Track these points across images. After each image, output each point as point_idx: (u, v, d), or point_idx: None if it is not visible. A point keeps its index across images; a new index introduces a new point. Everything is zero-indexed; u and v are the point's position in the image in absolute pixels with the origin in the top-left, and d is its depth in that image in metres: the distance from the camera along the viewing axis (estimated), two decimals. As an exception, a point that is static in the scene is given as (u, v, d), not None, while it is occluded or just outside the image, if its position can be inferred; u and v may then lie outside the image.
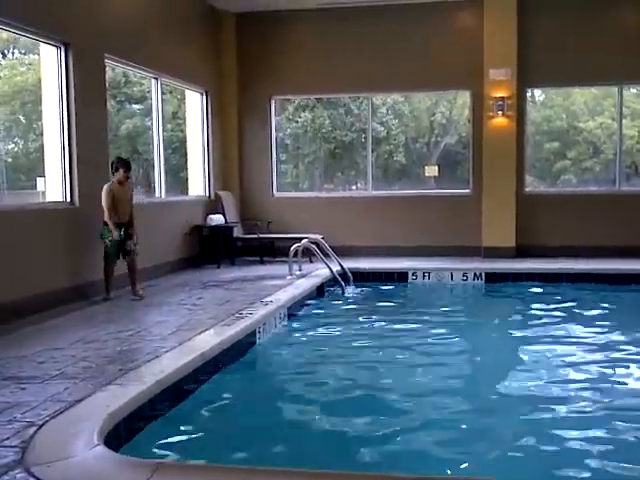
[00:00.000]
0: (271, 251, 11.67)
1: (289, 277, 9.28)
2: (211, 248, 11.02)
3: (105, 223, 7.72)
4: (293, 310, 7.72)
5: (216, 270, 10.51)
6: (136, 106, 14.02)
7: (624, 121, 12.09)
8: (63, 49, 7.82)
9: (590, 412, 4.68)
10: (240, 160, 12.61)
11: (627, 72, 11.43)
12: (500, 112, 11.46)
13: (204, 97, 11.86)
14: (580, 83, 12.27)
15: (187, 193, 11.75)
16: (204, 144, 11.88)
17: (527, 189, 11.94)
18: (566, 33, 11.50)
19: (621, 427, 4.35)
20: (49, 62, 7.85)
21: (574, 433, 4.24)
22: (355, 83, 12.21)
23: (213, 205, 11.75)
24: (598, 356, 6.12)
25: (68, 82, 7.84)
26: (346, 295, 9.22)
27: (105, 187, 7.75)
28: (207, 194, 11.90)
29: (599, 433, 4.29)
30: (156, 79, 10.26)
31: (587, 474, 3.69)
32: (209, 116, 11.93)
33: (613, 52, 11.29)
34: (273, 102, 12.67)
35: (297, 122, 13.65)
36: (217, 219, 11.26)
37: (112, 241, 7.71)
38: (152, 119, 10.46)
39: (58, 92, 7.82)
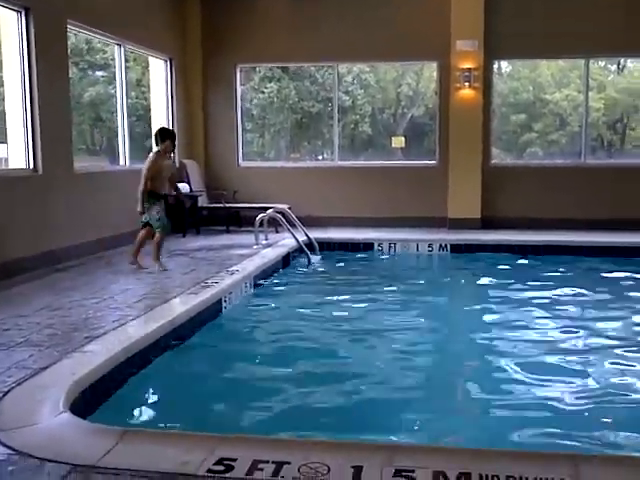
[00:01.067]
0: (237, 221, 11.59)
1: (255, 247, 9.24)
2: (177, 217, 10.88)
3: (150, 193, 7.47)
4: (259, 279, 7.69)
5: (182, 239, 10.43)
6: (99, 73, 13.73)
7: (590, 93, 12.19)
8: (23, 13, 7.60)
9: (547, 369, 4.87)
10: (205, 129, 12.45)
11: (594, 45, 11.46)
12: (467, 84, 11.46)
13: (168, 64, 11.65)
14: (547, 55, 12.28)
15: (151, 161, 11.56)
16: (168, 112, 11.69)
17: (493, 161, 12.01)
18: (533, 5, 11.51)
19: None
20: (9, 27, 7.60)
21: (526, 390, 4.44)
22: (321, 51, 12.09)
23: (178, 173, 11.56)
24: (555, 322, 6.25)
25: (29, 48, 7.63)
26: (312, 265, 9.21)
27: (151, 156, 7.56)
28: (172, 162, 11.72)
29: (556, 389, 4.48)
30: (119, 46, 10.03)
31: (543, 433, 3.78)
32: (173, 84, 11.72)
33: (580, 25, 11.31)
34: (238, 70, 12.50)
35: (263, 92, 13.51)
36: (182, 188, 11.10)
37: (159, 212, 7.49)
38: (116, 87, 10.24)
39: (19, 58, 7.61)
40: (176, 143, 11.41)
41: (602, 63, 13.35)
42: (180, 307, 5.74)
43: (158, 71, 11.63)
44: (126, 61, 10.31)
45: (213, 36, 12.18)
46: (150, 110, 11.80)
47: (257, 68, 13.27)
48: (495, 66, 12.25)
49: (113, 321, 5.20)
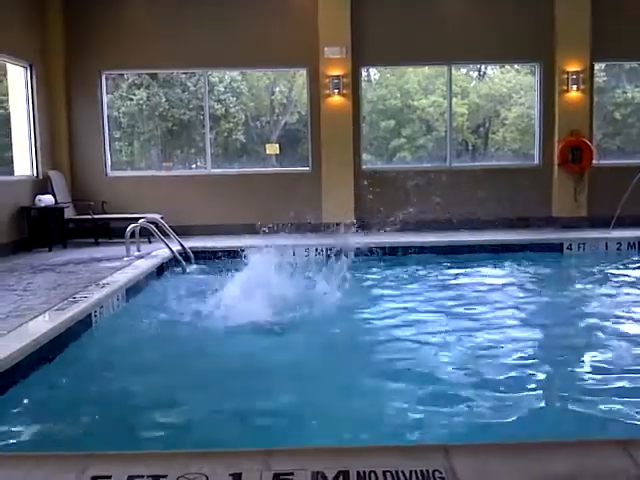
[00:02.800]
0: (106, 232, 11.20)
1: (126, 258, 8.94)
2: (41, 230, 10.39)
3: None
4: (132, 292, 7.42)
5: (47, 253, 9.94)
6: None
7: (454, 99, 12.67)
8: None
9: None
10: (70, 138, 11.96)
11: (455, 52, 11.97)
12: (336, 91, 11.63)
13: (28, 71, 11.10)
14: (411, 62, 12.68)
15: (13, 173, 10.98)
16: (30, 121, 11.14)
17: (365, 166, 12.23)
18: (396, 13, 11.84)
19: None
20: None
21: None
22: (190, 59, 11.94)
23: (42, 185, 11.07)
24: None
25: None
26: (187, 274, 9.01)
27: None
28: (35, 173, 11.18)
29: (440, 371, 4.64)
30: (-28, 51, 9.48)
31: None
32: (34, 92, 11.18)
33: (441, 32, 11.78)
34: (104, 77, 12.10)
35: (132, 100, 13.13)
36: (47, 200, 10.62)
37: None
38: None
39: None
40: (39, 154, 11.02)
41: (464, 70, 13.90)
42: (46, 324, 5.42)
43: (17, 78, 11.05)
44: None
45: (76, 42, 11.74)
46: (10, 119, 11.19)
47: (125, 75, 12.88)
48: (364, 73, 12.50)
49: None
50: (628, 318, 6.38)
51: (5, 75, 11.25)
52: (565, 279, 8.72)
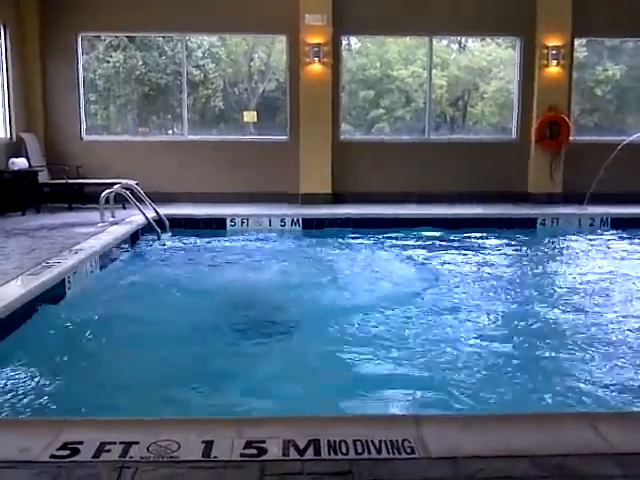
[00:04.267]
0: (81, 197, 11.03)
1: (100, 224, 8.83)
2: (14, 194, 10.24)
3: None
4: (105, 258, 7.37)
5: (20, 217, 9.80)
6: None
7: (434, 71, 12.61)
8: None
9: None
10: (44, 100, 11.74)
11: (437, 23, 11.91)
12: (316, 59, 11.52)
13: (2, 31, 10.85)
14: (393, 32, 12.57)
15: (-15, 135, 10.82)
16: (3, 82, 10.92)
17: (342, 137, 12.19)
18: (379, -18, 11.74)
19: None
20: None
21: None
22: (168, 22, 11.74)
23: (15, 148, 10.89)
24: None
25: None
26: (161, 242, 8.96)
27: None
28: (8, 136, 11.00)
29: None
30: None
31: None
32: (8, 52, 10.95)
33: (423, 3, 11.73)
34: (80, 39, 11.87)
35: (108, 62, 12.91)
36: (20, 163, 10.45)
37: None
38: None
39: None
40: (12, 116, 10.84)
41: (445, 42, 13.84)
42: (18, 290, 5.38)
43: (-10, 38, 10.82)
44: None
45: (52, 2, 11.47)
46: (-18, 80, 11.00)
47: (102, 36, 12.63)
48: (344, 42, 12.39)
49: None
50: (598, 291, 6.47)
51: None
52: (536, 254, 8.79)
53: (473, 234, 9.55)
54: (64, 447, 2.70)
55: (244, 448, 2.69)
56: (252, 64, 13.89)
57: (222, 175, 11.85)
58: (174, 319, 5.50)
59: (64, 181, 10.92)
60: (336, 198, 11.70)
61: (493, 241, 9.24)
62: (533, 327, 5.39)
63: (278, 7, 11.52)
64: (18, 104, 11.20)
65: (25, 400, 3.86)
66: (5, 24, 10.84)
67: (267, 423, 3.03)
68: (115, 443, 2.72)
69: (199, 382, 4.17)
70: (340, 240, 9.25)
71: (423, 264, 7.83)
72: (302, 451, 2.68)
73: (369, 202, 11.35)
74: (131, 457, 2.63)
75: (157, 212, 9.52)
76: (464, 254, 8.43)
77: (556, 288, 6.76)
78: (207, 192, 11.68)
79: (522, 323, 5.48)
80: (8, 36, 10.92)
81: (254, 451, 2.67)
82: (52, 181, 11.12)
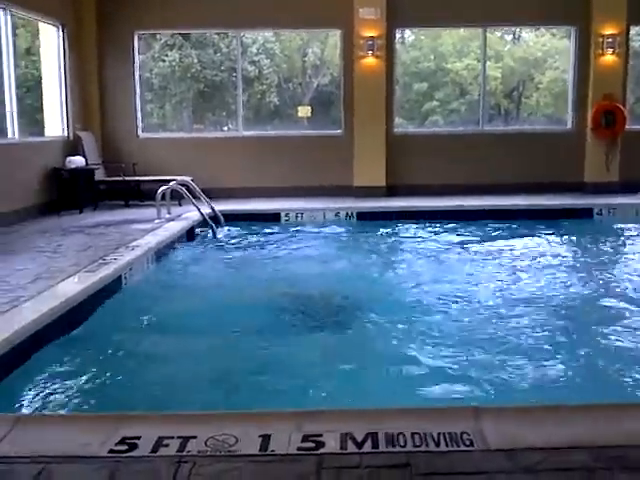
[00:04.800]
0: (137, 194, 11.17)
1: (157, 221, 8.93)
2: (71, 192, 10.43)
3: None
4: (162, 254, 7.44)
5: (78, 215, 9.97)
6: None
7: (488, 63, 12.43)
8: None
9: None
10: (101, 99, 11.93)
11: (490, 14, 11.72)
12: (370, 52, 11.45)
13: (60, 31, 11.07)
14: (447, 24, 12.43)
15: (43, 134, 11.03)
16: (61, 81, 11.13)
17: (397, 129, 12.09)
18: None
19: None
20: None
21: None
22: (223, 19, 11.80)
23: (73, 146, 11.10)
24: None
25: None
26: (217, 237, 9.02)
27: None
28: (66, 134, 11.21)
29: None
30: (4, 10, 9.41)
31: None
32: (66, 51, 11.15)
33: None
34: (136, 38, 12.03)
35: (164, 61, 13.08)
36: (77, 161, 10.63)
37: None
38: (1, 55, 9.62)
39: None
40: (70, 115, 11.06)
41: (499, 33, 13.61)
42: (76, 286, 5.43)
43: (49, 38, 11.03)
44: (14, 27, 9.71)
45: (109, 2, 11.65)
46: (42, 80, 11.21)
47: (157, 35, 12.79)
48: (398, 35, 12.28)
49: (4, 303, 4.85)
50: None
51: (37, 35, 11.25)
52: (594, 244, 8.57)
53: (530, 225, 9.40)
54: (122, 442, 2.71)
55: (301, 442, 2.67)
56: (306, 59, 13.88)
57: (276, 170, 11.87)
58: (229, 313, 5.49)
59: (121, 178, 11.07)
60: (390, 191, 11.61)
61: (550, 231, 9.06)
62: (599, 317, 5.26)
63: (332, 1, 11.49)
64: (75, 103, 11.41)
65: (82, 393, 3.91)
66: (63, 24, 11.04)
67: (324, 416, 2.99)
68: (173, 438, 2.72)
69: (263, 372, 4.16)
70: (401, 233, 9.21)
71: (480, 255, 7.71)
72: (360, 444, 2.65)
73: (422, 194, 11.24)
74: (189, 452, 2.62)
75: (212, 208, 9.58)
76: (524, 245, 8.29)
77: (619, 278, 6.58)
78: (261, 187, 11.72)
79: (589, 313, 5.38)
80: (66, 36, 11.12)
81: (311, 444, 2.64)
82: (109, 178, 11.29)
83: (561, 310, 5.44)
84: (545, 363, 4.24)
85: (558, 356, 4.39)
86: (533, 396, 3.77)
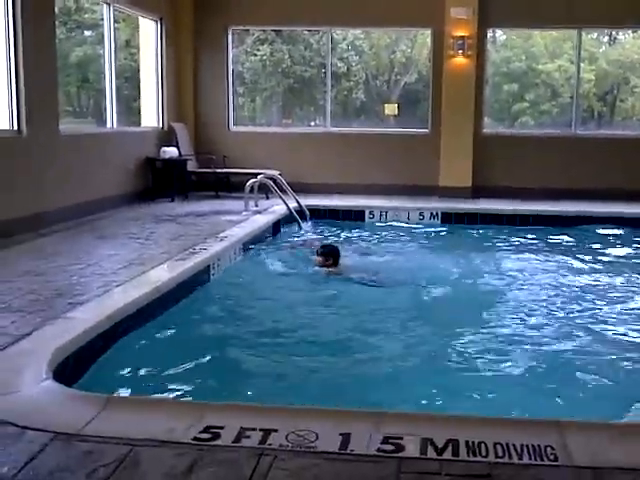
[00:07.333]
0: (226, 186, 11.45)
1: (244, 213, 9.12)
2: (165, 181, 10.78)
3: None
4: (249, 246, 7.60)
5: (170, 204, 10.29)
6: (87, 33, 13.44)
7: (582, 65, 12.09)
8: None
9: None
10: (195, 92, 12.24)
11: (587, 16, 11.36)
12: (460, 52, 11.31)
13: (158, 25, 11.42)
14: (540, 26, 12.15)
15: (140, 124, 11.42)
16: (158, 74, 11.48)
17: (485, 130, 11.92)
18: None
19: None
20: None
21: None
22: (315, 16, 11.89)
23: (167, 137, 11.44)
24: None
25: (14, 4, 7.37)
26: (303, 232, 9.13)
27: None
28: (160, 125, 11.57)
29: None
30: (108, 5, 9.81)
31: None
32: (163, 45, 11.50)
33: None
34: (230, 32, 12.29)
35: (256, 55, 13.29)
36: (171, 151, 10.96)
37: None
38: (104, 47, 10.03)
39: (3, 15, 7.35)
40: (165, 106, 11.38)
41: (594, 35, 13.23)
42: (167, 274, 5.65)
43: (148, 32, 11.40)
44: (115, 21, 10.09)
45: (204, -4, 11.95)
46: (139, 72, 11.60)
47: (250, 30, 13.02)
48: (489, 34, 12.10)
49: (98, 287, 5.10)
50: None
51: (137, 28, 11.64)
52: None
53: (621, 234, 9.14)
54: (206, 430, 2.79)
55: (381, 443, 2.68)
56: (393, 57, 13.85)
57: (362, 167, 11.90)
58: (318, 309, 5.59)
59: (211, 170, 11.33)
60: (475, 192, 11.46)
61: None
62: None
63: (424, 0, 11.41)
64: (170, 95, 11.74)
65: (169, 377, 4.06)
66: (161, 18, 11.38)
67: (405, 419, 3.00)
68: (255, 430, 2.78)
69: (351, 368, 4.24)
70: (498, 237, 9.10)
71: (574, 262, 7.51)
72: (440, 450, 2.64)
73: (509, 197, 11.03)
74: (270, 445, 2.67)
75: (298, 202, 9.70)
76: (625, 252, 8.11)
77: None
78: (347, 183, 11.78)
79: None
80: (164, 30, 11.46)
81: (391, 447, 2.65)
82: (200, 170, 11.58)
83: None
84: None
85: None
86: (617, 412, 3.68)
